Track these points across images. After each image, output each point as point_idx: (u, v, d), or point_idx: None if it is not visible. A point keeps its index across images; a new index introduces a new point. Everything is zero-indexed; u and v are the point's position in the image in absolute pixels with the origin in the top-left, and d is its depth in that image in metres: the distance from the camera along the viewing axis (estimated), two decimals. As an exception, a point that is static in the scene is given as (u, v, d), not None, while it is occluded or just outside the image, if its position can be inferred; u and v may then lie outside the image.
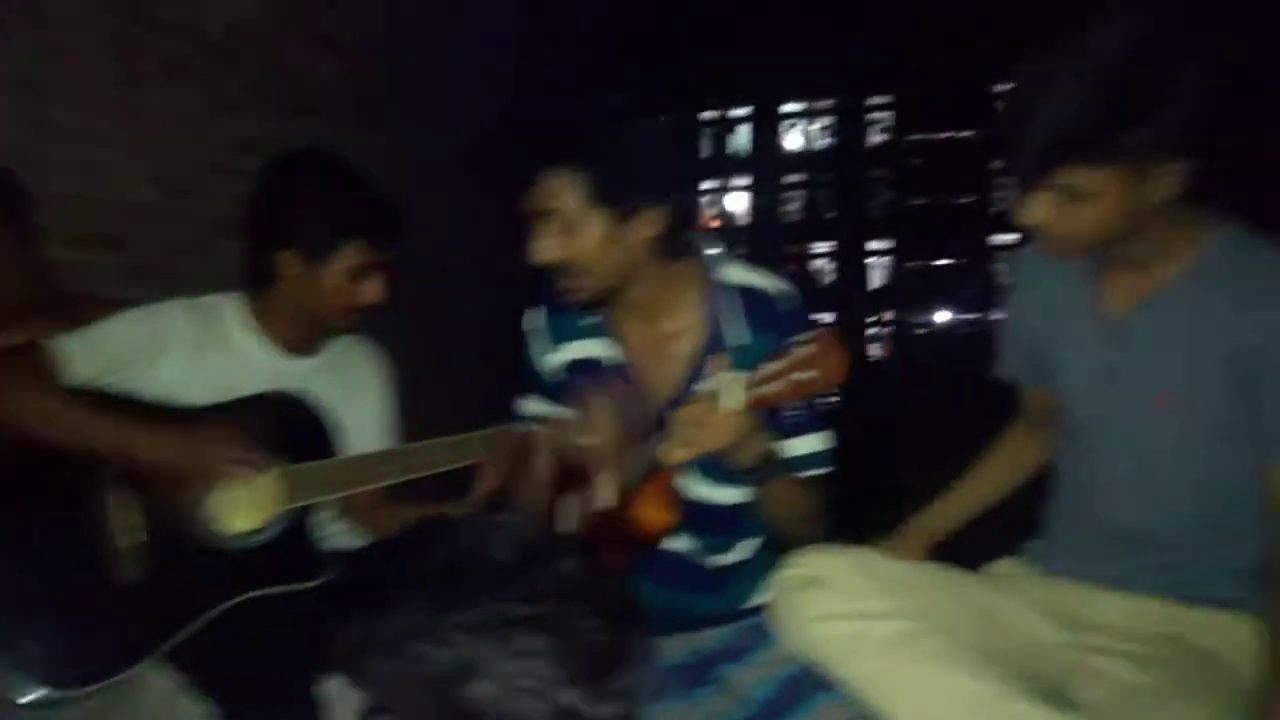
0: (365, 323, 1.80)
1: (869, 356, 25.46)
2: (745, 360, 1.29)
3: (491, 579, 0.97)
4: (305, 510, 1.54)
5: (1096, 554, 1.39)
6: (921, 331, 26.55)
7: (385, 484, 1.60)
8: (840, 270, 28.47)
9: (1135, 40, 1.11)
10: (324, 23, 3.41)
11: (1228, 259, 1.25)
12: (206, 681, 1.36)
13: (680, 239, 1.37)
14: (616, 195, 1.28)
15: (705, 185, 30.21)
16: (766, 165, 28.88)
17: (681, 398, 1.35)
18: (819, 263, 29.19)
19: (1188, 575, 1.32)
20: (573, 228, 1.29)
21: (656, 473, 1.33)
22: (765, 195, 29.14)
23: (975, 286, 23.26)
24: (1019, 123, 1.14)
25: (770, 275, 1.46)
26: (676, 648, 1.45)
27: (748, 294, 1.42)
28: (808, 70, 23.42)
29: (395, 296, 1.61)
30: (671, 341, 1.43)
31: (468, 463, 1.66)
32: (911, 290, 26.84)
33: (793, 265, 29.26)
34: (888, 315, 27.06)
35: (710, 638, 1.45)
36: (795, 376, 1.19)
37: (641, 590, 1.44)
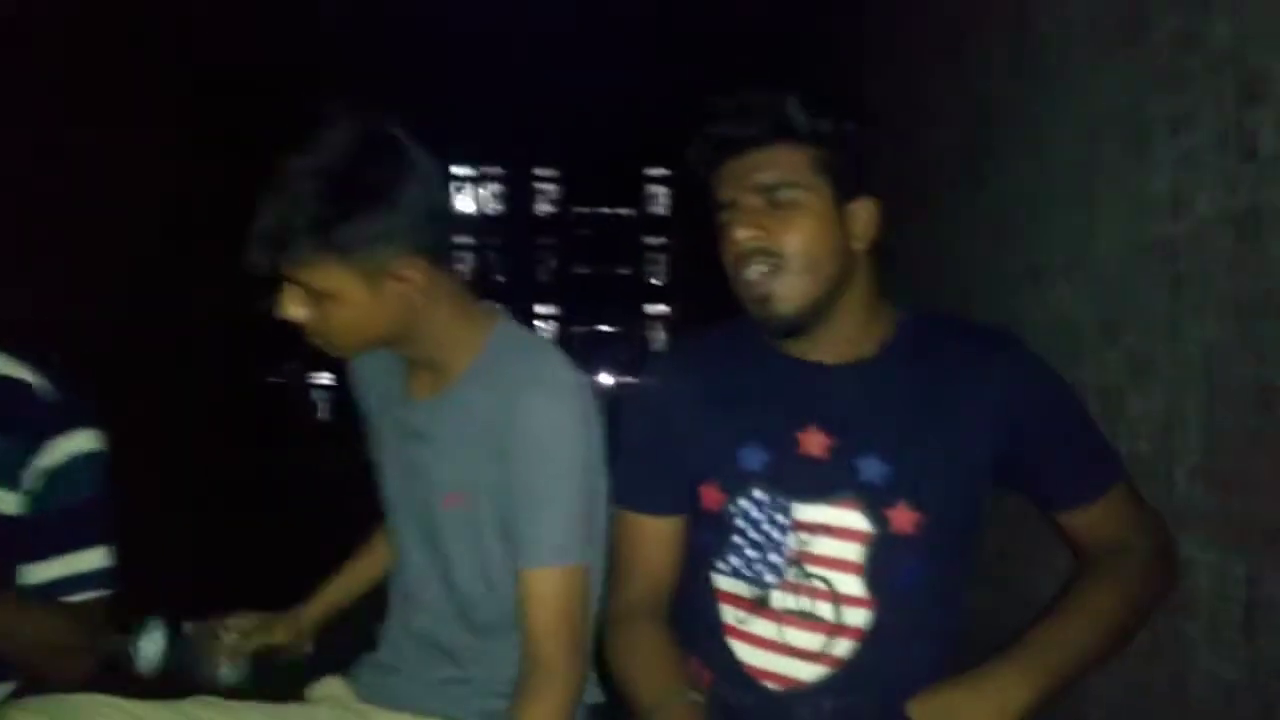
0: None
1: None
2: None
3: None
4: None
5: (397, 669, 1.31)
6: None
7: None
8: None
9: (355, 143, 1.13)
10: None
11: (495, 358, 1.26)
12: None
13: None
14: None
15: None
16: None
17: None
18: (488, 324, 29.30)
19: (473, 689, 1.27)
20: None
21: None
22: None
23: (631, 351, 24.70)
24: (256, 217, 1.12)
25: (23, 364, 1.30)
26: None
27: None
28: (478, 136, 23.88)
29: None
30: None
31: None
32: (576, 353, 27.73)
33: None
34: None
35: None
36: None
37: None
